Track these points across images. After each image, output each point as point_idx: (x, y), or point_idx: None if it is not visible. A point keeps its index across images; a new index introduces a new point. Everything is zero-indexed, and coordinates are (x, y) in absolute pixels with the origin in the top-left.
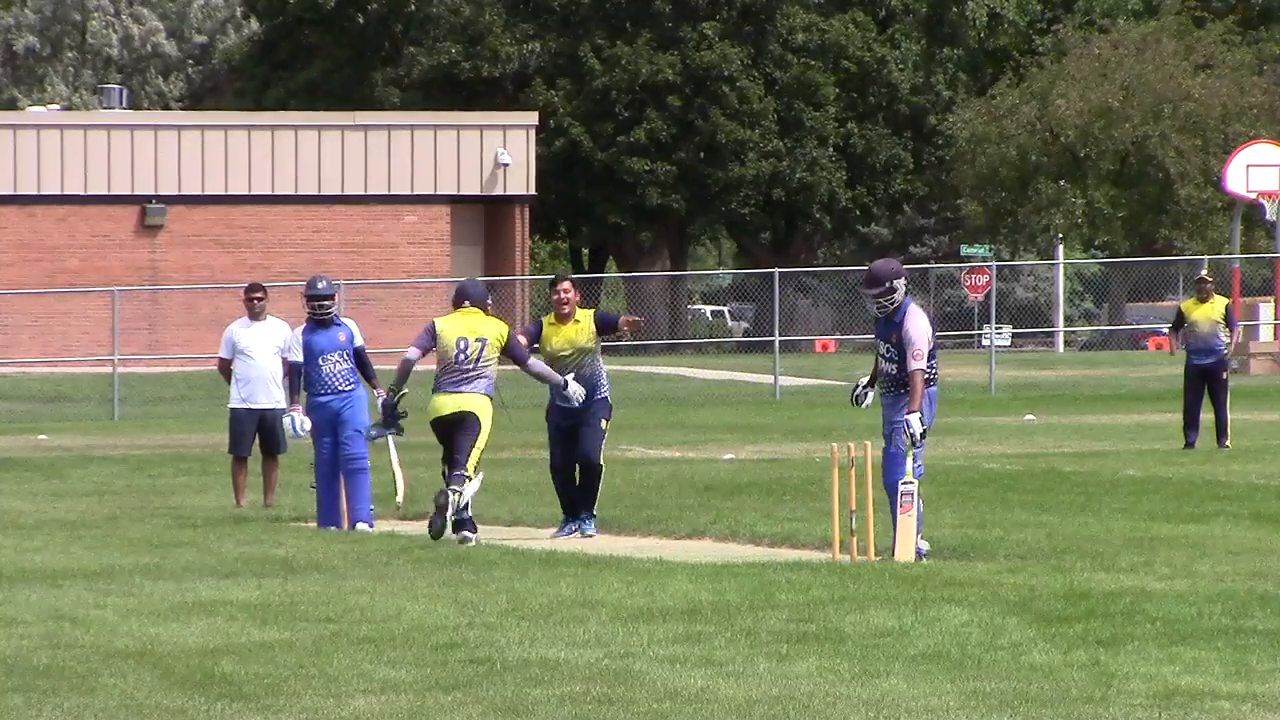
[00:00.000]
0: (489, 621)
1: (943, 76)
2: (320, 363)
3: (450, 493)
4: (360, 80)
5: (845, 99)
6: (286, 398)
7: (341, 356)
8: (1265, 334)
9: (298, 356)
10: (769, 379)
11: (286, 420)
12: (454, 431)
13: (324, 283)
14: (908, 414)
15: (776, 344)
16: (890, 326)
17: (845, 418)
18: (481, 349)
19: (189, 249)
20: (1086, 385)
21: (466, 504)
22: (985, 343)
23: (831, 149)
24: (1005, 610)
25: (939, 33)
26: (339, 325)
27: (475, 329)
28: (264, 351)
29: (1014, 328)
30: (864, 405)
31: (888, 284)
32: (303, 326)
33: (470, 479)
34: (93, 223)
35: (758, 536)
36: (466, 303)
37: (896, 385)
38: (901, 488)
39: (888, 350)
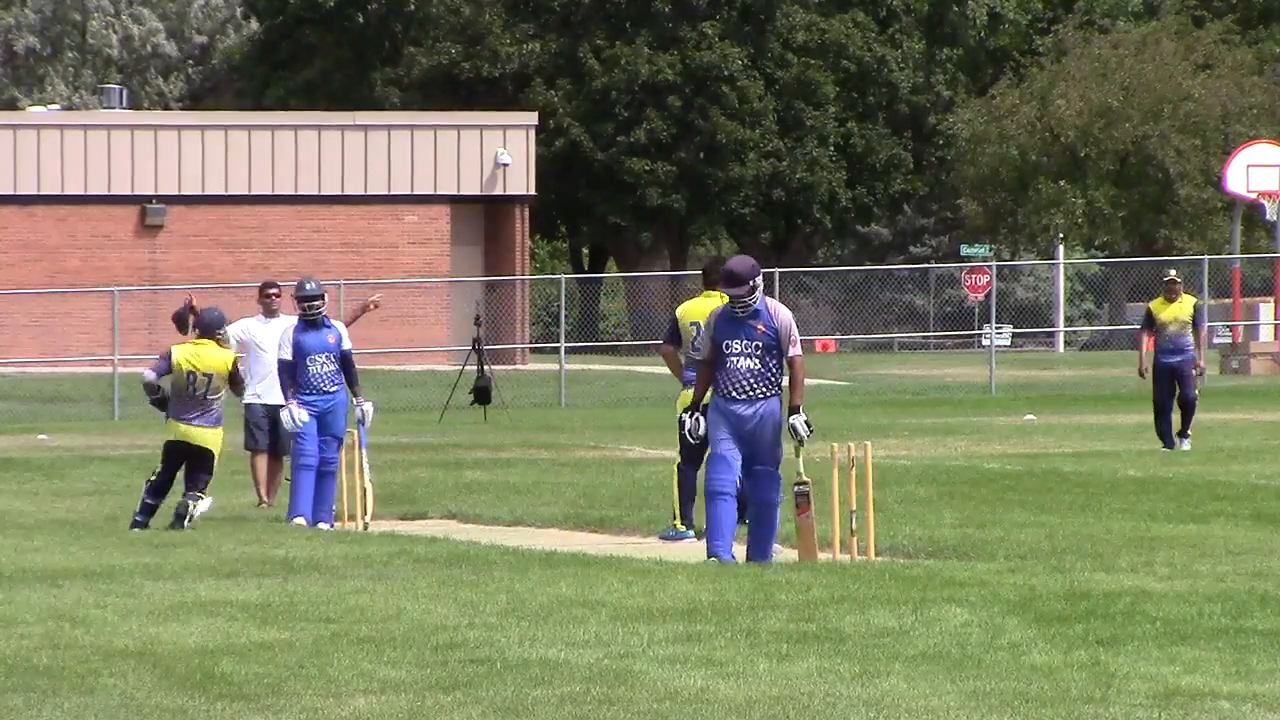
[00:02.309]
0: (489, 621)
1: (943, 76)
2: (308, 363)
3: (191, 500)
4: (360, 80)
5: (845, 99)
6: (282, 394)
7: (329, 358)
8: (1265, 334)
9: (287, 354)
10: None
11: (285, 414)
12: (188, 460)
13: (313, 284)
14: (795, 415)
15: None
16: (747, 319)
17: (845, 418)
18: (209, 383)
19: (189, 249)
20: (1086, 385)
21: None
22: (985, 343)
23: (831, 149)
24: (1005, 610)
25: (939, 33)
26: (328, 327)
27: (204, 363)
28: (276, 348)
29: (1014, 328)
30: (700, 434)
31: (751, 282)
32: (293, 325)
33: (204, 499)
34: (93, 223)
35: None
36: (197, 332)
37: (758, 382)
38: (797, 489)
39: (745, 346)
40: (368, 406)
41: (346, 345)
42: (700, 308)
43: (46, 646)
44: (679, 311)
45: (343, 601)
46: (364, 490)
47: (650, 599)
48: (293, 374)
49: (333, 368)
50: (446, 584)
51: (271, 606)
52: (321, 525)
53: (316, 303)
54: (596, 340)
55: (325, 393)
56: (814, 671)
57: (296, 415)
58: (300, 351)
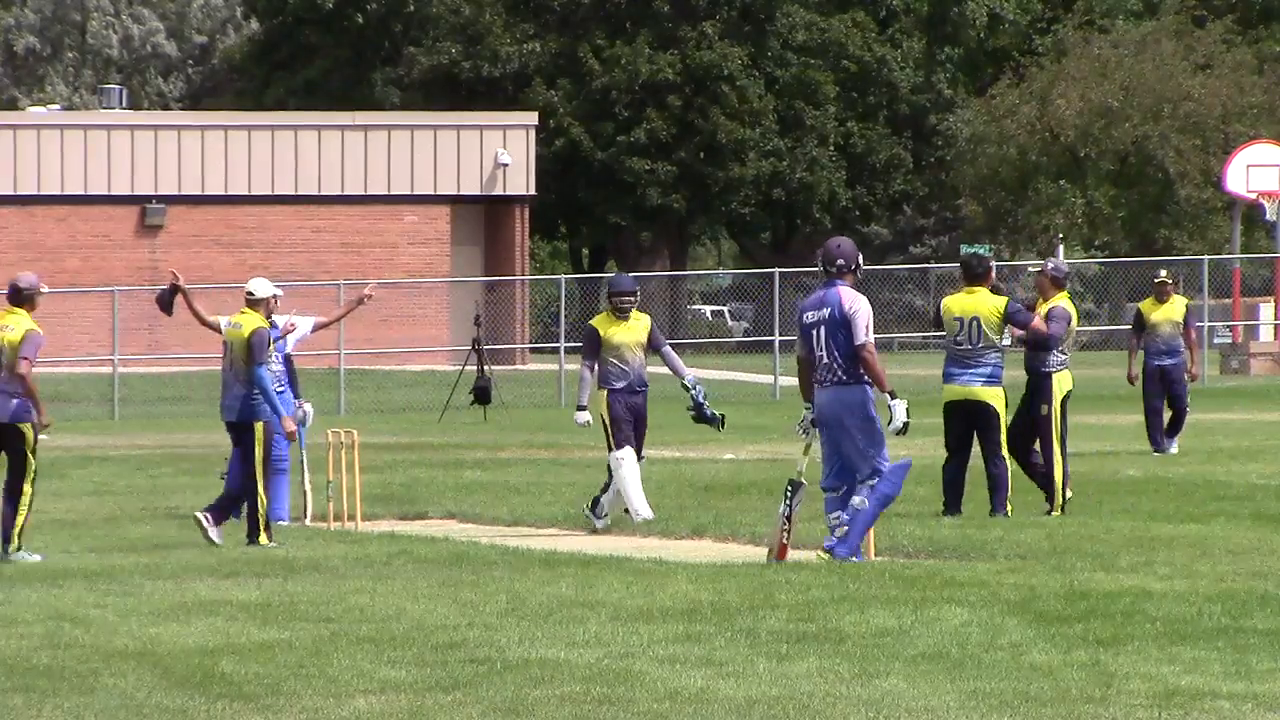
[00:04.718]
0: (489, 621)
1: (943, 76)
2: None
3: None
4: (360, 80)
5: (845, 99)
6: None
7: (275, 359)
8: (1265, 334)
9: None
10: (769, 379)
11: (299, 411)
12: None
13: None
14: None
15: (776, 344)
16: None
17: None
18: None
19: (189, 249)
20: (1086, 385)
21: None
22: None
23: (831, 149)
24: (1005, 610)
25: (939, 32)
26: (274, 328)
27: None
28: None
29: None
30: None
31: None
32: None
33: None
34: (93, 223)
35: (758, 536)
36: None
37: None
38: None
39: None
40: (309, 407)
41: (288, 348)
42: (962, 302)
43: (46, 646)
44: (946, 305)
45: (343, 601)
46: (304, 492)
47: (650, 599)
48: None
49: (278, 369)
50: (446, 584)
51: (271, 606)
52: (280, 522)
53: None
54: None
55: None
56: (814, 671)
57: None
58: None
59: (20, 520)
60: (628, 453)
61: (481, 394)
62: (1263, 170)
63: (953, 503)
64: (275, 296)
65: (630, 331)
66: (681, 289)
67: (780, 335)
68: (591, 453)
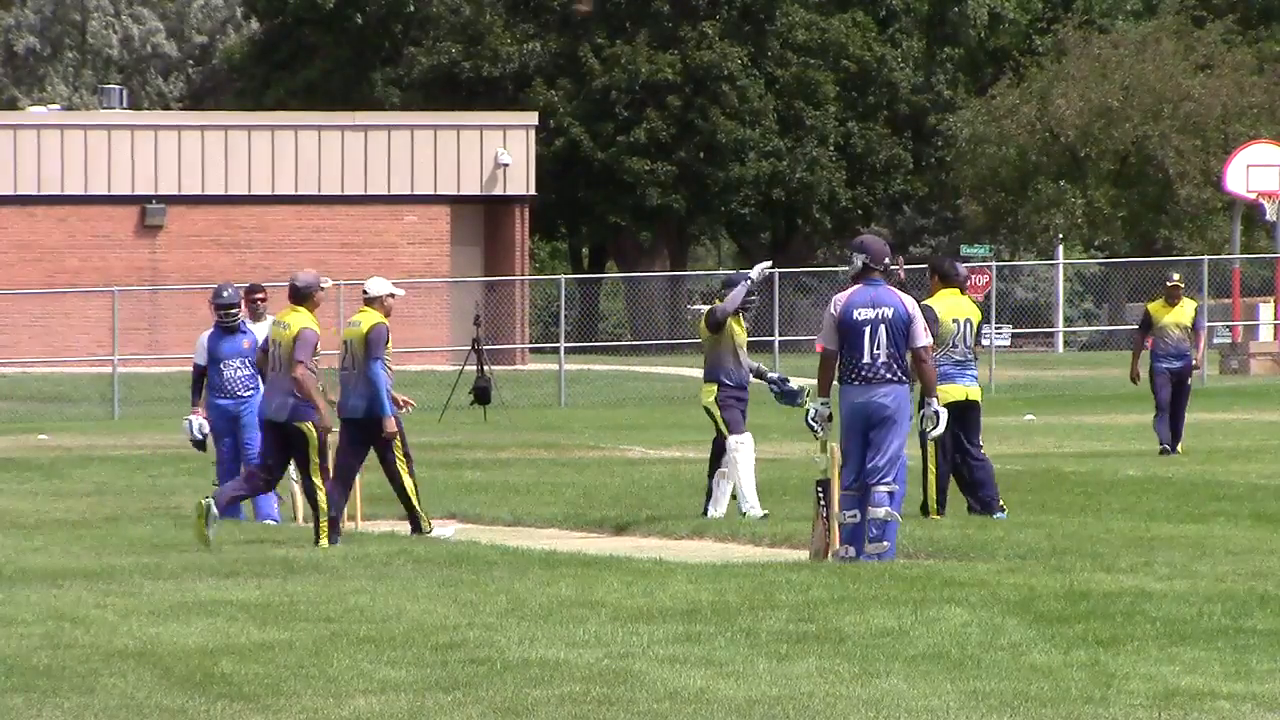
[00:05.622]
0: (489, 621)
1: (943, 76)
2: (223, 368)
3: None
4: (360, 80)
5: (845, 99)
6: (191, 399)
7: (243, 363)
8: (1265, 334)
9: (202, 360)
10: None
11: (184, 423)
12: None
13: (229, 291)
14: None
15: (776, 344)
16: None
17: None
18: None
19: (189, 249)
20: (1086, 385)
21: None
22: (985, 343)
23: (831, 149)
24: (1005, 610)
25: (939, 32)
26: (244, 332)
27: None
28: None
29: (1014, 328)
30: None
31: None
32: (209, 332)
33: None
34: (93, 223)
35: (758, 536)
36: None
37: None
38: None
39: None
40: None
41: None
42: (954, 306)
43: (46, 646)
44: (940, 309)
45: (343, 601)
46: (292, 492)
47: (650, 599)
48: (204, 380)
49: (247, 372)
50: (446, 584)
51: (271, 606)
52: (268, 521)
53: (233, 310)
54: (596, 340)
55: (239, 396)
56: (814, 671)
57: (197, 426)
58: (214, 357)
59: (317, 514)
60: (747, 438)
61: (481, 394)
62: (1263, 170)
63: (944, 501)
64: (392, 294)
65: (744, 333)
66: (681, 289)
67: (780, 335)
68: (592, 453)
